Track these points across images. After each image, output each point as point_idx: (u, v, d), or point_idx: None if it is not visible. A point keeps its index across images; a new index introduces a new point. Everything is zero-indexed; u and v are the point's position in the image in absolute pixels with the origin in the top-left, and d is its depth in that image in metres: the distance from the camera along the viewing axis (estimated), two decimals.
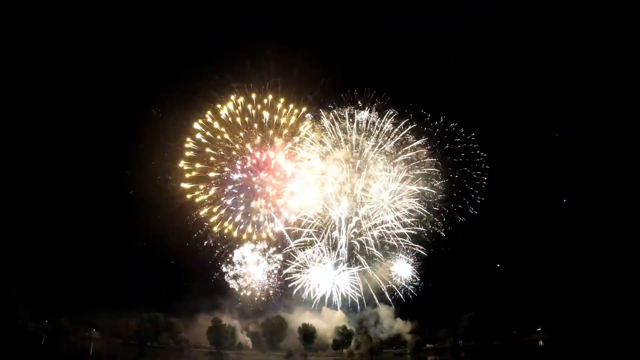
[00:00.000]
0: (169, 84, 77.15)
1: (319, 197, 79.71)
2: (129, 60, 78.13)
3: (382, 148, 79.43)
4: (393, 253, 79.02)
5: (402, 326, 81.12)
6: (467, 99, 76.72)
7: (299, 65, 75.39)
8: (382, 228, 78.75)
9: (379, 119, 79.20)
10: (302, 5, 78.54)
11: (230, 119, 79.93)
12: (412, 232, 78.43)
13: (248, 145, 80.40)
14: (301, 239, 79.56)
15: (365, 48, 78.90)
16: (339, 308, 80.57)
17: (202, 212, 79.54)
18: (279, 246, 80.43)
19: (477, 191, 79.82)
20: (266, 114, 79.81)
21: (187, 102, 78.47)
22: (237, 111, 79.72)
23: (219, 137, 79.98)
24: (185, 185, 79.35)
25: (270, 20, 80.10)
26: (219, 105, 79.52)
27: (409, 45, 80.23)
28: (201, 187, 79.74)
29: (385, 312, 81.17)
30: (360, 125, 79.35)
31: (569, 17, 71.11)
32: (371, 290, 79.59)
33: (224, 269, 79.64)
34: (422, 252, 79.10)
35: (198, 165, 79.64)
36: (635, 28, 66.20)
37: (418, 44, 79.54)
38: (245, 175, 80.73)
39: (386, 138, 79.50)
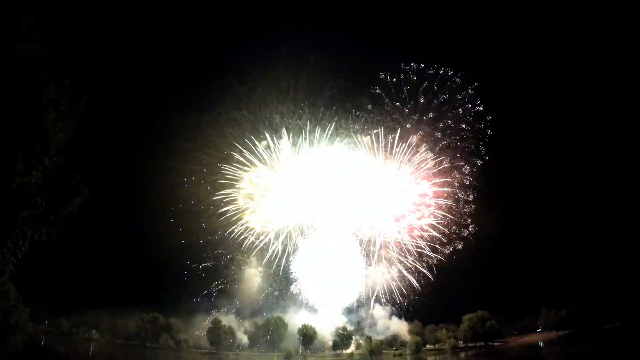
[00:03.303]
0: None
1: None
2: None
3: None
4: None
5: (398, 326, 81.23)
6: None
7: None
8: None
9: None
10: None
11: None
12: None
13: None
14: None
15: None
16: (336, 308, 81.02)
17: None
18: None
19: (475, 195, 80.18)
20: None
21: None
22: None
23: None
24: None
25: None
26: None
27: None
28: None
29: (380, 312, 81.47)
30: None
31: (568, 17, 71.12)
32: (369, 290, 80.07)
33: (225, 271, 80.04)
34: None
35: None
36: (635, 28, 66.15)
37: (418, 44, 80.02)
38: None
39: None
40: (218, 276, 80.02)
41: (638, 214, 68.11)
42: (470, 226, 79.39)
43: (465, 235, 79.14)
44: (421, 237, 79.51)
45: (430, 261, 79.06)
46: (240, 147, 79.68)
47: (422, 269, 79.14)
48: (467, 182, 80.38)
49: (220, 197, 79.12)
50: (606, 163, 72.59)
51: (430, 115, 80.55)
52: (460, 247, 79.11)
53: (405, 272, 79.67)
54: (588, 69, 71.63)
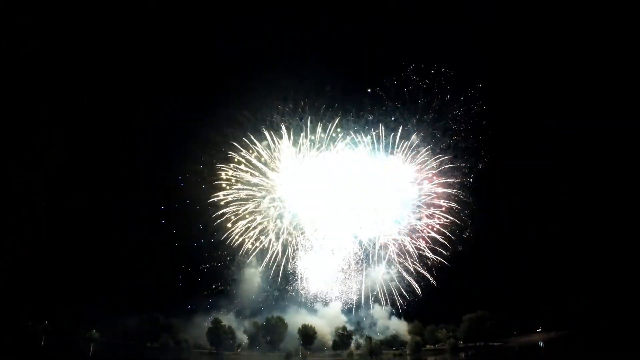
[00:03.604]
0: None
1: None
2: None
3: None
4: None
5: (398, 326, 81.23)
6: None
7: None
8: None
9: None
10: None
11: None
12: None
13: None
14: None
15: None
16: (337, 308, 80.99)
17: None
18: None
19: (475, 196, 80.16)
20: None
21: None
22: None
23: None
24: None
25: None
26: None
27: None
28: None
29: (380, 312, 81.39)
30: None
31: (568, 17, 71.07)
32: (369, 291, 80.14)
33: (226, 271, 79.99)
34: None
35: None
36: (635, 28, 66.14)
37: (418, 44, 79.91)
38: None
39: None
40: (218, 276, 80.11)
41: (638, 214, 68.15)
42: (470, 227, 79.46)
43: (465, 236, 79.20)
44: (421, 237, 79.65)
45: (430, 262, 79.11)
46: (240, 147, 79.76)
47: (422, 270, 79.21)
48: (467, 183, 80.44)
49: (219, 197, 79.21)
50: (606, 163, 72.64)
51: (431, 115, 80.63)
52: (460, 248, 79.13)
53: (404, 273, 79.77)
54: (588, 69, 71.65)
